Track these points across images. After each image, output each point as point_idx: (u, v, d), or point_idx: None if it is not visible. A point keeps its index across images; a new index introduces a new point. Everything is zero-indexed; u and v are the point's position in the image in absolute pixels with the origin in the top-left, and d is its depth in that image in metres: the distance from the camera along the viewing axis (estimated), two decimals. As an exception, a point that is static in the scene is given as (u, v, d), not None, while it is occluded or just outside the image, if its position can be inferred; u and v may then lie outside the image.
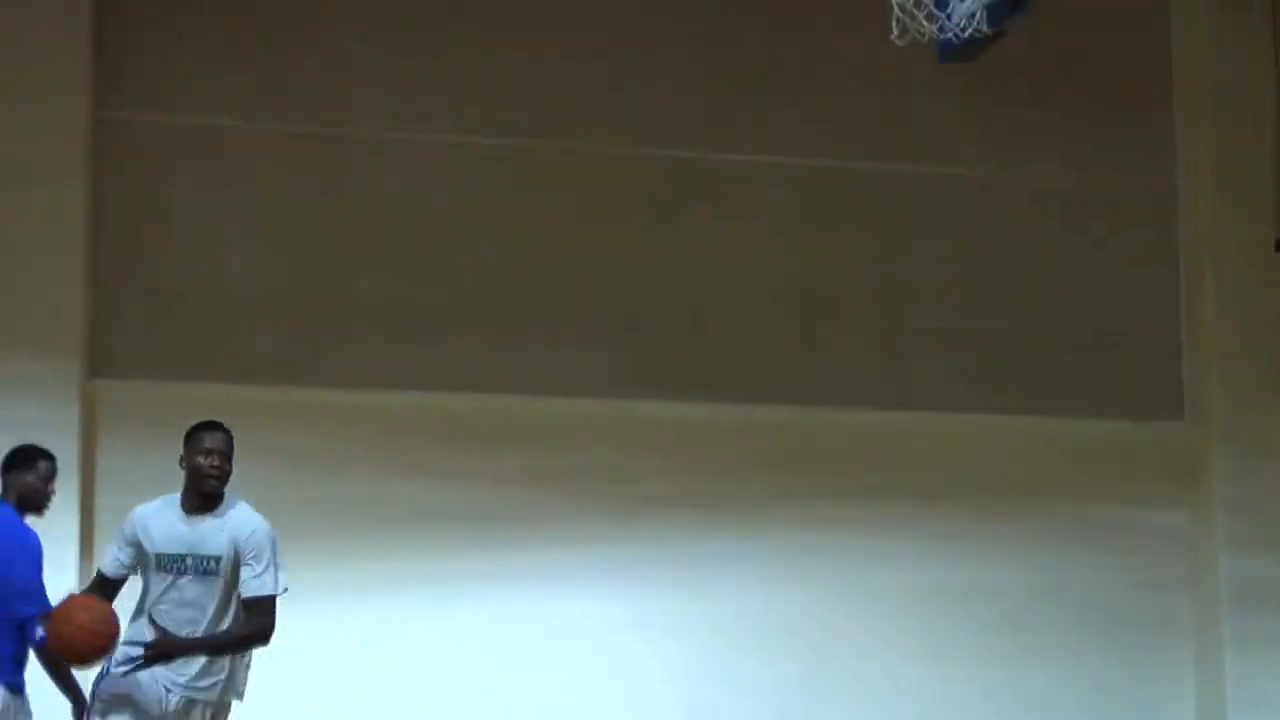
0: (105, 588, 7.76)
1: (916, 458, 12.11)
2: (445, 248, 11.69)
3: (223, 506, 7.65)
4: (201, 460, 7.59)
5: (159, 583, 7.61)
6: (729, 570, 11.73)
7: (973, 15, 7.11)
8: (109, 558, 7.78)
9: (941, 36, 7.23)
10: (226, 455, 7.61)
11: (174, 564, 7.58)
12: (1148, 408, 12.59)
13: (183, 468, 7.66)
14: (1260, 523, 12.44)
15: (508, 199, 11.79)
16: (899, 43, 7.17)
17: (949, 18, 7.17)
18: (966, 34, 7.22)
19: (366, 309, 11.55)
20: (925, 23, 7.15)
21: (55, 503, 10.66)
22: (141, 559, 7.66)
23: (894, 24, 7.18)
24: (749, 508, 11.77)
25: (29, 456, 8.88)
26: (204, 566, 7.60)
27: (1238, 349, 12.63)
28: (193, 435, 7.69)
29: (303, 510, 10.78)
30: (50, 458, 8.90)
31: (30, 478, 8.73)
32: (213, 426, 7.73)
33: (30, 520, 8.64)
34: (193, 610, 7.60)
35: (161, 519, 7.66)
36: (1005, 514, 12.21)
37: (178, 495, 7.70)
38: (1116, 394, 12.50)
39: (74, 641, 7.48)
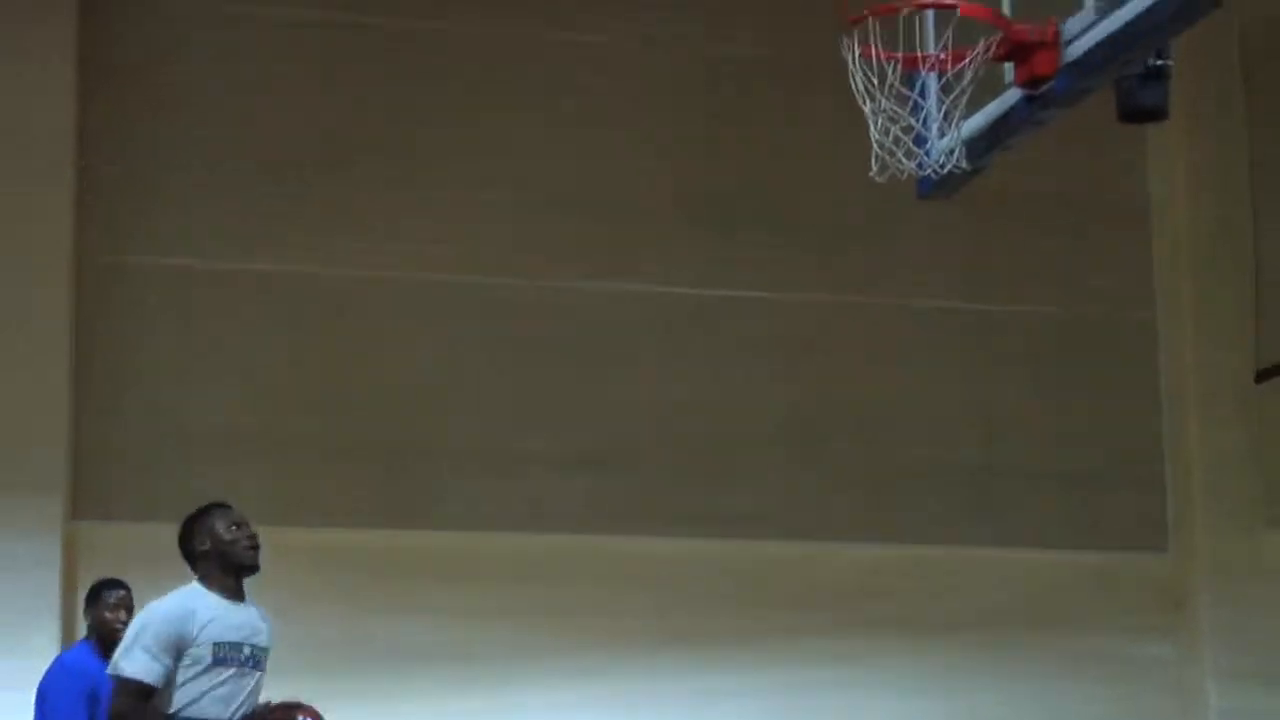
0: (149, 697, 6.73)
1: (906, 591, 12.08)
2: (427, 386, 11.70)
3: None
4: (236, 533, 7.08)
5: (208, 680, 6.74)
6: (719, 706, 11.69)
7: (951, 152, 7.18)
8: (148, 667, 6.68)
9: (920, 173, 7.29)
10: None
11: (233, 655, 6.80)
12: (1133, 539, 12.59)
13: (200, 555, 7.11)
14: (1247, 652, 12.43)
15: (490, 337, 11.82)
16: (879, 179, 7.22)
17: (927, 154, 7.24)
18: (945, 170, 7.28)
19: (346, 448, 11.54)
20: (904, 159, 7.20)
21: (34, 641, 10.78)
22: (179, 659, 6.75)
23: (874, 161, 7.22)
24: (739, 643, 11.74)
25: (97, 590, 8.88)
26: (258, 658, 6.92)
27: (1220, 480, 12.67)
28: (208, 514, 7.25)
29: (281, 649, 10.73)
30: (116, 585, 8.84)
31: (102, 612, 8.73)
32: (226, 504, 7.29)
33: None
34: (227, 707, 6.80)
35: (205, 607, 6.84)
36: (994, 646, 12.18)
37: (197, 586, 6.98)
38: (1101, 526, 12.50)
39: None
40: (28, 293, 11.05)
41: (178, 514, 10.93)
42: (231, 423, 11.40)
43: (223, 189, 11.63)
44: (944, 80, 7.25)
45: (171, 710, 6.74)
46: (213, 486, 11.19)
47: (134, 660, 6.72)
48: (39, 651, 10.58)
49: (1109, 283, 12.73)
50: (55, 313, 11.13)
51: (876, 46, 7.11)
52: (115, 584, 8.79)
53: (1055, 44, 7.03)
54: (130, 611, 8.45)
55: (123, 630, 7.71)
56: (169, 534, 10.86)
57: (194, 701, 6.75)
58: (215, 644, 6.77)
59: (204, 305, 11.52)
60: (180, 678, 6.74)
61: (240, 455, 11.36)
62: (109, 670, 6.89)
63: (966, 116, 7.28)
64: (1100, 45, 6.90)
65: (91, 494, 11.18)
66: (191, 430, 11.36)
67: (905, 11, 7.23)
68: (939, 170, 7.30)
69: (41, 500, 10.93)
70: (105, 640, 8.38)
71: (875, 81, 7.16)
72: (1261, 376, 12.49)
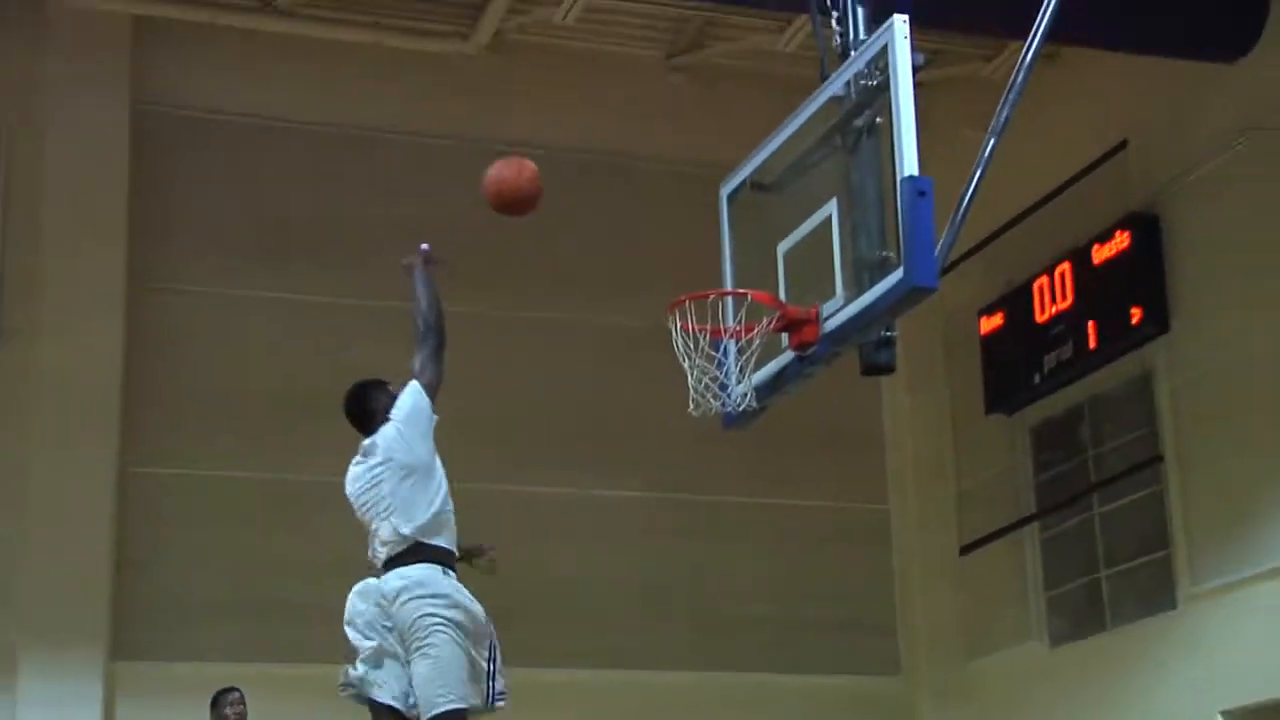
0: None
1: (724, 707, 11.89)
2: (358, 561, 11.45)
3: None
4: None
5: None
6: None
7: (745, 395, 7.16)
8: None
9: (723, 410, 7.30)
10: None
11: None
12: (875, 668, 12.54)
13: None
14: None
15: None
16: (694, 414, 7.21)
17: (729, 397, 7.23)
18: (741, 408, 7.28)
19: (324, 607, 11.28)
20: (712, 400, 7.21)
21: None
22: None
23: (690, 400, 7.22)
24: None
25: (216, 699, 8.32)
26: None
27: (936, 625, 12.66)
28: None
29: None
30: (232, 690, 8.28)
31: (224, 711, 8.22)
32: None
33: None
34: None
35: None
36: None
37: None
38: (855, 659, 12.41)
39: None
40: (78, 493, 10.83)
41: (194, 657, 10.84)
42: (231, 588, 11.16)
43: (232, 412, 11.52)
44: (740, 345, 7.21)
45: None
46: (222, 636, 11.03)
47: None
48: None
49: (857, 486, 12.72)
50: (101, 512, 10.92)
51: (691, 321, 7.09)
52: (230, 689, 8.16)
53: (816, 320, 7.01)
54: (244, 710, 7.95)
55: None
56: (187, 670, 10.72)
57: None
58: None
59: (214, 507, 11.26)
60: None
61: (239, 613, 11.12)
62: None
63: (755, 370, 7.21)
64: (847, 321, 6.90)
65: (127, 640, 10.85)
66: (204, 595, 11.07)
67: (711, 297, 7.26)
68: (737, 408, 7.31)
69: (86, 646, 10.62)
70: None
71: (692, 345, 7.19)
72: (964, 550, 12.57)
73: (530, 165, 6.28)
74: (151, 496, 11.14)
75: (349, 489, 6.28)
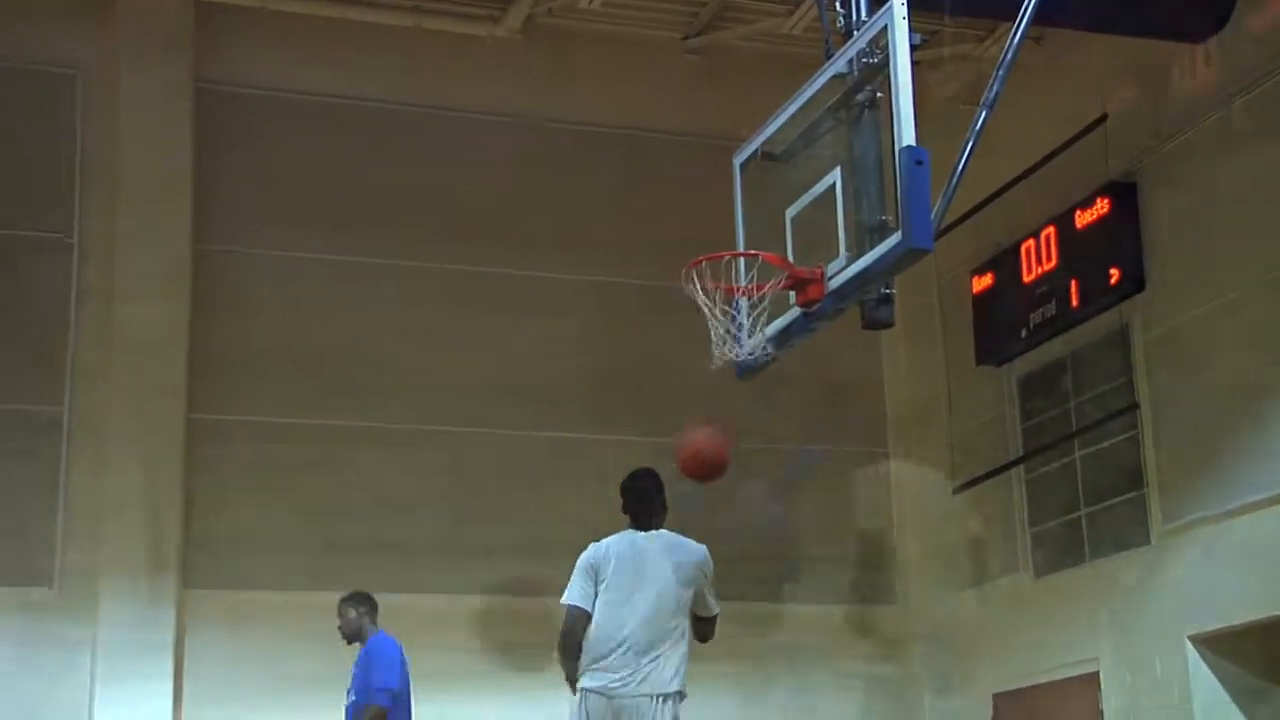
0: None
1: (739, 635, 11.54)
2: (408, 501, 11.60)
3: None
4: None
5: None
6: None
7: (757, 348, 7.18)
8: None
9: (736, 361, 7.34)
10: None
11: None
12: (873, 597, 12.60)
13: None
14: (949, 672, 12.40)
15: (454, 482, 11.74)
16: (716, 365, 7.25)
17: (741, 349, 7.27)
18: (752, 360, 7.33)
19: (374, 540, 11.41)
20: (729, 353, 7.26)
21: (151, 682, 10.49)
22: None
23: (712, 353, 7.27)
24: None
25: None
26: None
27: (930, 559, 12.70)
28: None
29: (325, 675, 10.60)
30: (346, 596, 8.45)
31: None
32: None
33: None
34: None
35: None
36: (789, 672, 12.04)
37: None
38: (856, 589, 12.49)
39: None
40: (153, 442, 10.95)
41: (258, 585, 10.97)
42: (292, 526, 11.24)
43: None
44: (751, 302, 7.30)
45: None
46: (282, 566, 11.13)
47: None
48: (152, 685, 10.43)
49: (858, 432, 12.72)
50: (173, 454, 11.04)
51: (707, 281, 7.16)
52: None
53: (821, 279, 7.07)
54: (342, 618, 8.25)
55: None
56: (252, 598, 10.86)
57: None
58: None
59: (274, 456, 11.35)
60: None
61: (298, 546, 11.21)
62: None
63: (766, 325, 7.30)
64: (850, 280, 6.96)
65: (197, 571, 10.97)
66: (266, 532, 11.17)
67: (725, 258, 7.33)
68: (749, 360, 7.35)
69: (159, 575, 10.76)
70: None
71: (709, 302, 7.23)
72: (956, 491, 12.57)
73: (724, 448, 6.39)
74: (218, 442, 11.22)
75: (627, 548, 6.31)
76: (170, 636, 10.65)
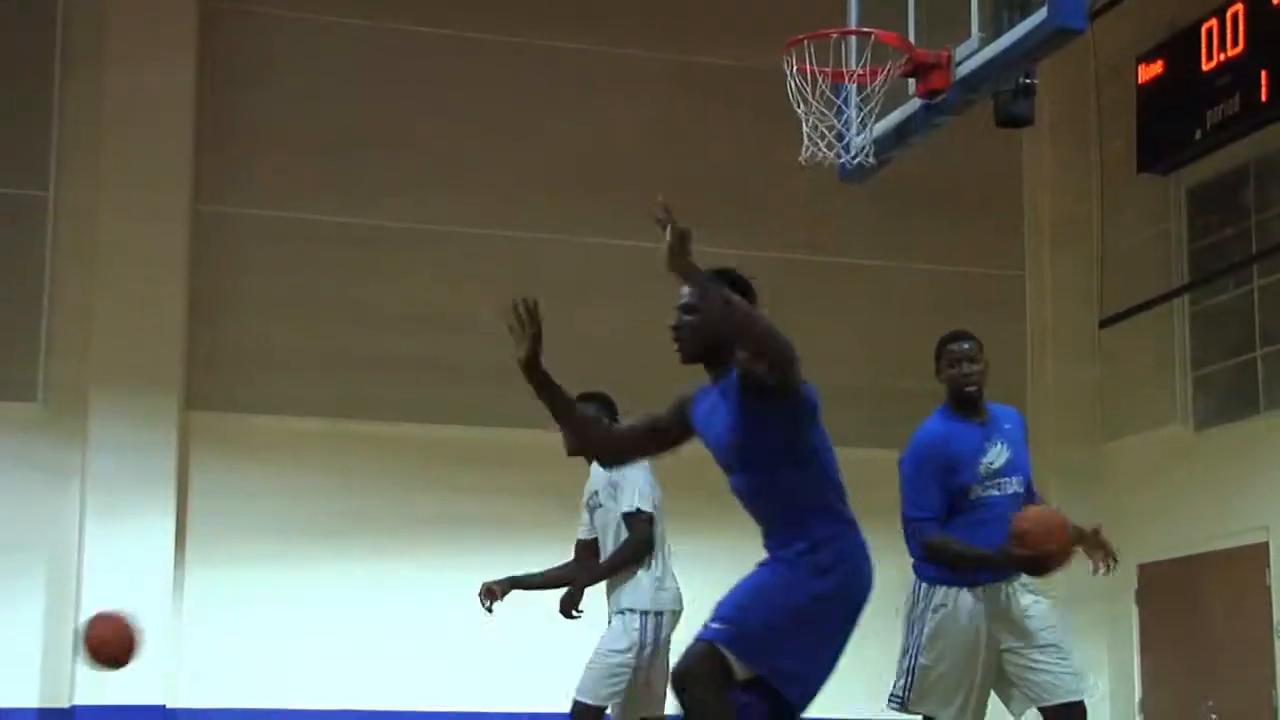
0: None
1: None
2: (458, 315, 11.61)
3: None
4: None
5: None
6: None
7: (863, 148, 7.16)
8: None
9: (840, 162, 7.25)
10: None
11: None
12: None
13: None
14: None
15: (506, 277, 11.71)
16: (805, 165, 7.18)
17: (846, 149, 7.20)
18: (859, 160, 7.24)
19: (403, 359, 11.48)
20: (827, 151, 7.16)
21: (154, 507, 10.74)
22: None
23: (804, 151, 7.18)
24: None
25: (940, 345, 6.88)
26: None
27: (1070, 402, 12.67)
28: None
29: (348, 515, 10.75)
30: (961, 338, 6.75)
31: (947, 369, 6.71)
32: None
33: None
34: None
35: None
36: (886, 532, 12.07)
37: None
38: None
39: None
40: (154, 235, 10.98)
41: (266, 409, 11.10)
42: (309, 341, 11.29)
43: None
44: (862, 90, 7.21)
45: None
46: (293, 388, 11.25)
47: None
48: (155, 513, 10.63)
49: (990, 249, 12.65)
50: (175, 253, 11.07)
51: (810, 63, 7.07)
52: (960, 336, 6.71)
53: (948, 65, 6.97)
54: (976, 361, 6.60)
55: (974, 380, 6.53)
56: (259, 423, 10.99)
57: None
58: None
59: (290, 254, 11.37)
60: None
61: (315, 365, 11.29)
62: None
63: (878, 119, 7.22)
64: (983, 66, 6.86)
65: (200, 391, 11.07)
66: (278, 346, 11.24)
67: (833, 37, 7.17)
68: (855, 160, 7.27)
69: (161, 395, 10.86)
70: (955, 396, 6.60)
71: (809, 90, 7.12)
72: (1104, 324, 12.50)
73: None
74: (228, 239, 11.27)
75: None
76: (171, 465, 10.82)
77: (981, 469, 6.52)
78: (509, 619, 11.15)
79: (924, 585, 6.58)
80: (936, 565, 6.51)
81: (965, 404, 6.63)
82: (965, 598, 6.48)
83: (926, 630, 6.50)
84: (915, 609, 6.57)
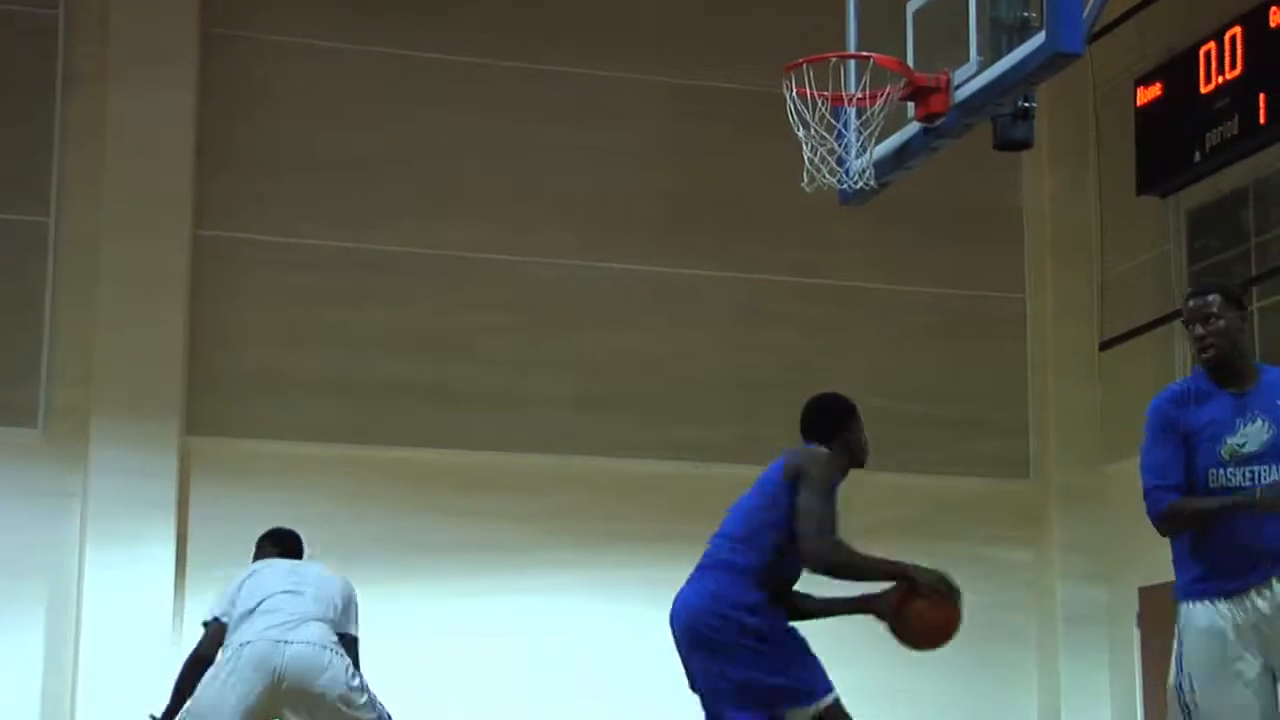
0: None
1: None
2: (462, 339, 11.63)
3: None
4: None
5: None
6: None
7: (863, 171, 7.14)
8: None
9: (840, 186, 7.25)
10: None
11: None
12: (1003, 469, 12.56)
13: None
14: (1086, 558, 12.42)
15: (513, 301, 11.77)
16: (808, 189, 7.17)
17: (846, 172, 7.19)
18: (859, 183, 7.23)
19: (407, 385, 11.48)
20: (828, 175, 7.15)
21: (155, 534, 10.72)
22: None
23: (805, 175, 7.19)
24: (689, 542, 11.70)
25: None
26: None
27: (1069, 425, 12.64)
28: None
29: (350, 541, 10.75)
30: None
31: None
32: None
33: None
34: None
35: None
36: (896, 551, 12.05)
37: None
38: (978, 459, 12.45)
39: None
40: (154, 260, 10.99)
41: (267, 434, 11.10)
42: (311, 367, 11.30)
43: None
44: (861, 114, 7.18)
45: None
46: (295, 413, 11.26)
47: None
48: (154, 538, 10.61)
49: (990, 272, 12.64)
50: (176, 278, 11.08)
51: (809, 87, 7.06)
52: (1194, 292, 5.53)
53: (947, 88, 6.95)
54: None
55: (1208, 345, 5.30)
56: (260, 448, 10.99)
57: None
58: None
59: (294, 279, 11.38)
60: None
61: (317, 391, 11.29)
62: None
63: (877, 142, 7.20)
64: (981, 90, 6.85)
65: (200, 416, 11.07)
66: (280, 371, 11.24)
67: (832, 60, 7.18)
68: (855, 183, 7.26)
69: (161, 420, 10.87)
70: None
71: (809, 114, 7.12)
72: (1104, 346, 12.47)
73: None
74: (230, 264, 11.28)
75: None
76: (172, 492, 10.81)
77: (1226, 451, 5.24)
78: (522, 651, 11.26)
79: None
80: (1178, 546, 5.29)
81: (1212, 371, 5.34)
82: (1200, 612, 5.20)
83: (1181, 662, 5.24)
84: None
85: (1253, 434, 5.22)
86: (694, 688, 6.09)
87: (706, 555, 6.22)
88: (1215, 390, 5.31)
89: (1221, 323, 5.31)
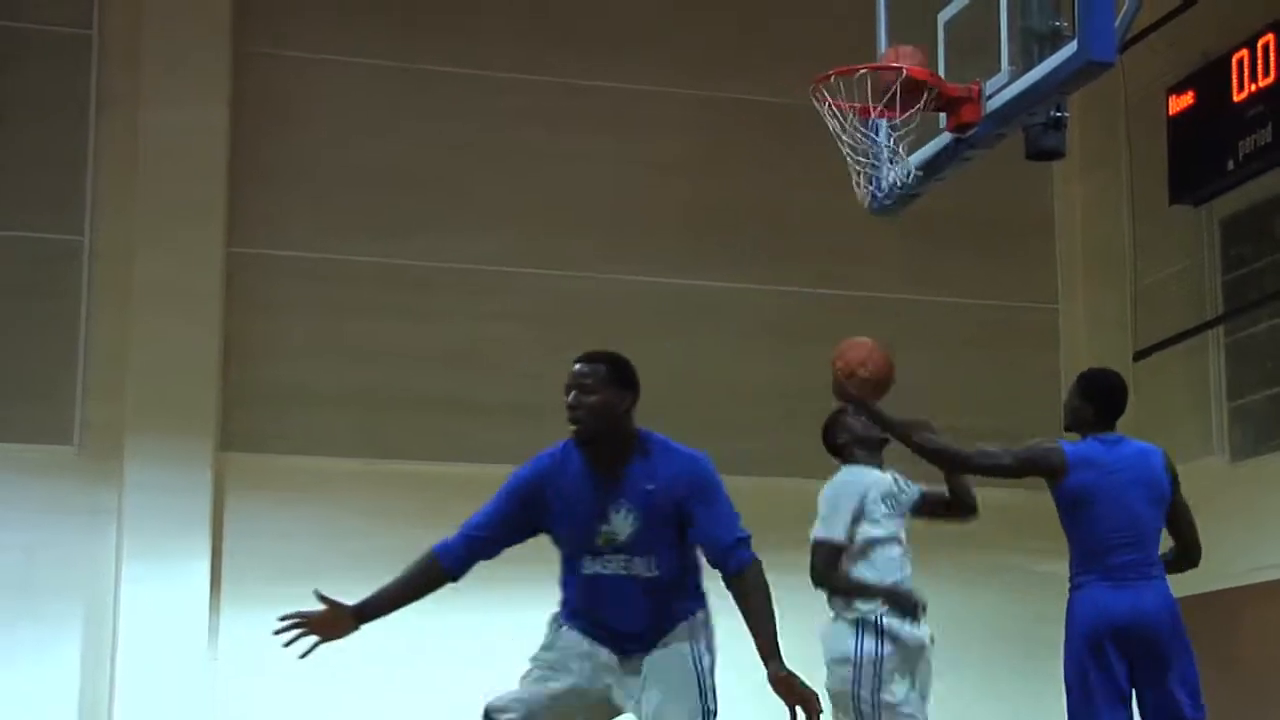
0: None
1: None
2: (481, 352, 11.64)
3: None
4: None
5: None
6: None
7: (896, 180, 7.17)
8: None
9: (871, 196, 7.27)
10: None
11: None
12: (1035, 481, 12.47)
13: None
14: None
15: (536, 314, 11.79)
16: (865, 206, 7.20)
17: (878, 184, 7.21)
18: (891, 194, 7.26)
19: (441, 400, 11.51)
20: (861, 185, 7.19)
21: (190, 550, 10.76)
22: None
23: (857, 190, 7.23)
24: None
25: None
26: None
27: (1105, 436, 12.62)
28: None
29: (384, 555, 10.73)
30: None
31: None
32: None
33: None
34: None
35: None
36: (929, 561, 12.08)
37: None
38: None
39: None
40: (189, 277, 11.06)
41: (300, 449, 11.13)
42: (340, 382, 11.34)
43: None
44: (893, 125, 7.20)
45: None
46: (326, 428, 11.28)
47: None
48: (190, 554, 10.65)
49: (1023, 282, 12.63)
50: (209, 294, 11.14)
51: (840, 99, 7.09)
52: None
53: (978, 99, 6.99)
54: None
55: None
56: (293, 463, 11.02)
57: None
58: None
59: (326, 296, 11.44)
60: None
61: (346, 406, 11.33)
62: None
63: (910, 153, 7.25)
64: (1013, 100, 6.88)
65: (234, 432, 11.13)
66: (313, 387, 11.29)
67: (862, 72, 7.17)
68: (886, 194, 7.29)
69: (195, 437, 10.92)
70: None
71: (840, 125, 7.15)
72: (1138, 356, 12.43)
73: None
74: (263, 280, 11.35)
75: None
76: (207, 506, 10.86)
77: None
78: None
79: None
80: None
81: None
82: None
83: None
84: None
85: None
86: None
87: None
88: None
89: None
